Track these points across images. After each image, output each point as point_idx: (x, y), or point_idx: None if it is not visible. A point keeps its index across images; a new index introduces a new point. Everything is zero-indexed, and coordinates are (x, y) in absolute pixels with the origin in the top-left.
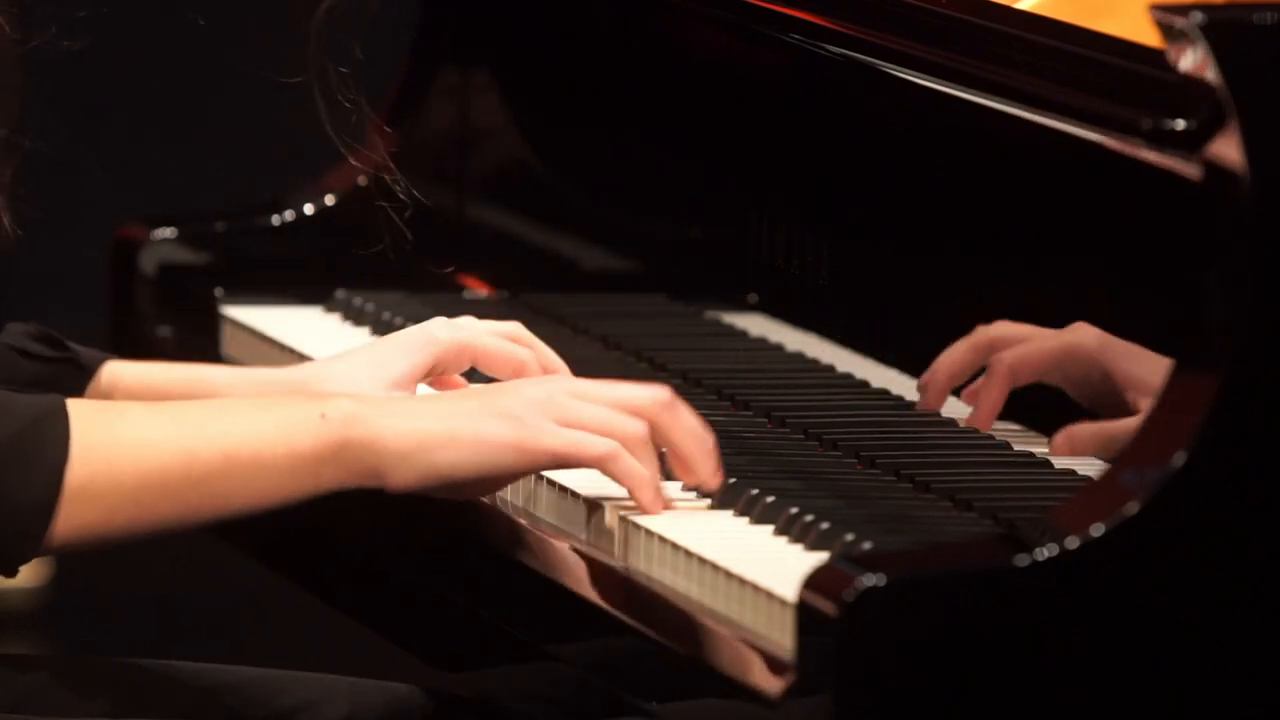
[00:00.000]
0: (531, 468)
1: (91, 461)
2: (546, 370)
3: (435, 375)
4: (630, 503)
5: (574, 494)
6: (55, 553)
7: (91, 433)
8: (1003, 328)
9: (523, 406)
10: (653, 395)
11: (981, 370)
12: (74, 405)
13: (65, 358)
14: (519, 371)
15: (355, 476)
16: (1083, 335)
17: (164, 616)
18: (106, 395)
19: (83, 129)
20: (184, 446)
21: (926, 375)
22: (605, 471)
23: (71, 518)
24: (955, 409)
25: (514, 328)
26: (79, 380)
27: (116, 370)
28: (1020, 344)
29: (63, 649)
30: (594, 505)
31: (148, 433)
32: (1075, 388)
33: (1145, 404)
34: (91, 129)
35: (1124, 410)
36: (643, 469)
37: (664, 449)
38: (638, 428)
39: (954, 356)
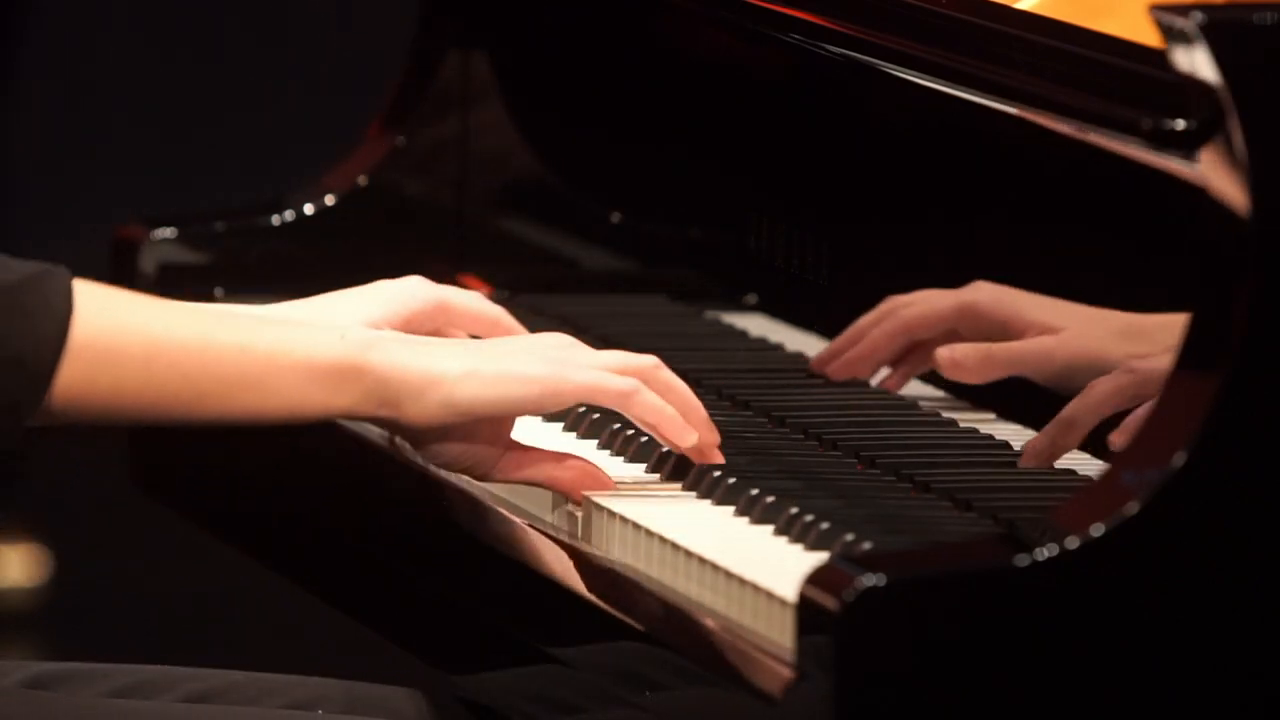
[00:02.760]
0: (553, 404)
1: (100, 320)
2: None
3: (409, 330)
4: (631, 503)
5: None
6: (57, 419)
7: (100, 297)
8: (905, 297)
9: (541, 349)
10: (640, 361)
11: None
12: (79, 280)
13: None
14: (494, 326)
15: (371, 403)
16: (978, 291)
17: (163, 617)
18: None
19: (83, 129)
20: (198, 329)
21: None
22: (627, 409)
23: (78, 374)
24: (956, 409)
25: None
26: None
27: None
28: (917, 304)
29: (63, 649)
30: (595, 504)
31: (161, 310)
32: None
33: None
34: (91, 129)
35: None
36: (663, 404)
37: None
38: (653, 363)
39: (864, 327)
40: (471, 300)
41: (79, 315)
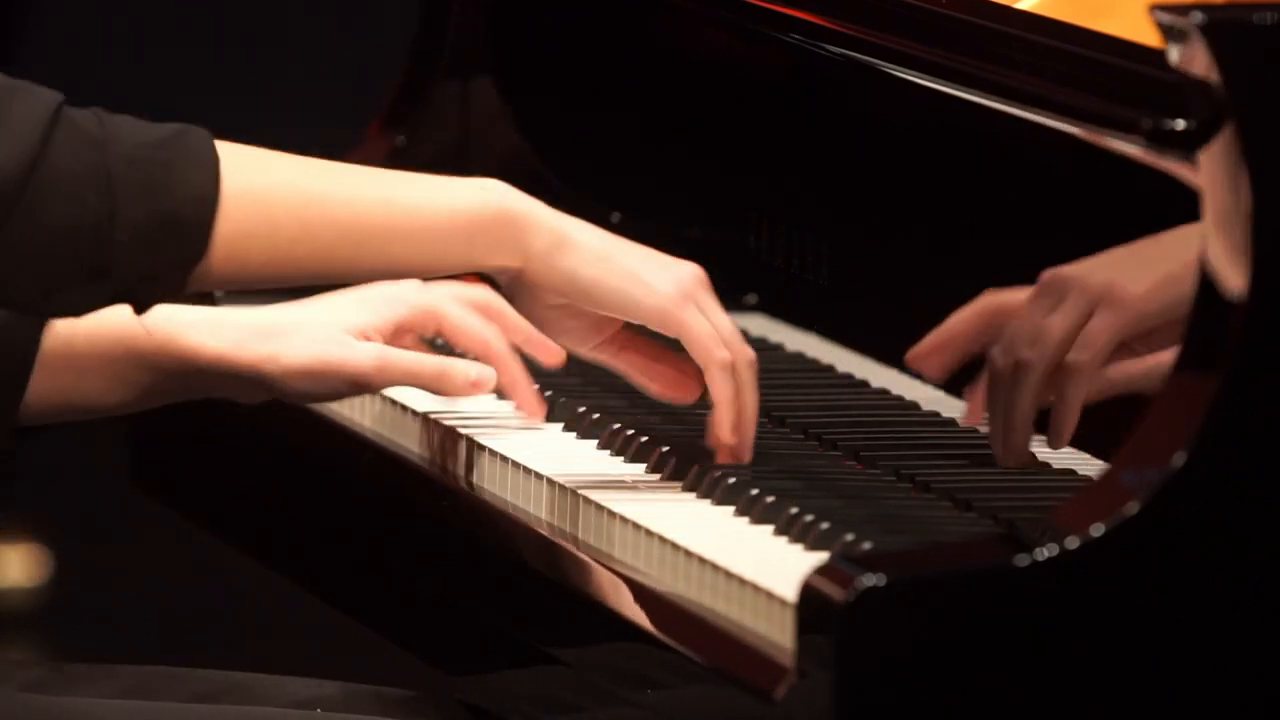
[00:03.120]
0: (657, 328)
1: (249, 171)
2: (516, 335)
3: (400, 335)
4: (631, 503)
5: (575, 494)
6: (219, 277)
7: (241, 151)
8: (1010, 295)
9: (677, 282)
10: (745, 353)
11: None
12: (221, 143)
13: None
14: (482, 351)
15: (505, 252)
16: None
17: (163, 617)
18: (66, 340)
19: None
20: (342, 185)
21: (929, 339)
22: (709, 380)
23: (233, 226)
24: (956, 408)
25: (483, 294)
26: (35, 324)
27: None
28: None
29: (62, 649)
30: (596, 506)
31: (304, 167)
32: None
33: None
34: None
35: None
36: (733, 394)
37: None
38: (748, 355)
39: (958, 323)
40: (460, 320)
41: (226, 168)
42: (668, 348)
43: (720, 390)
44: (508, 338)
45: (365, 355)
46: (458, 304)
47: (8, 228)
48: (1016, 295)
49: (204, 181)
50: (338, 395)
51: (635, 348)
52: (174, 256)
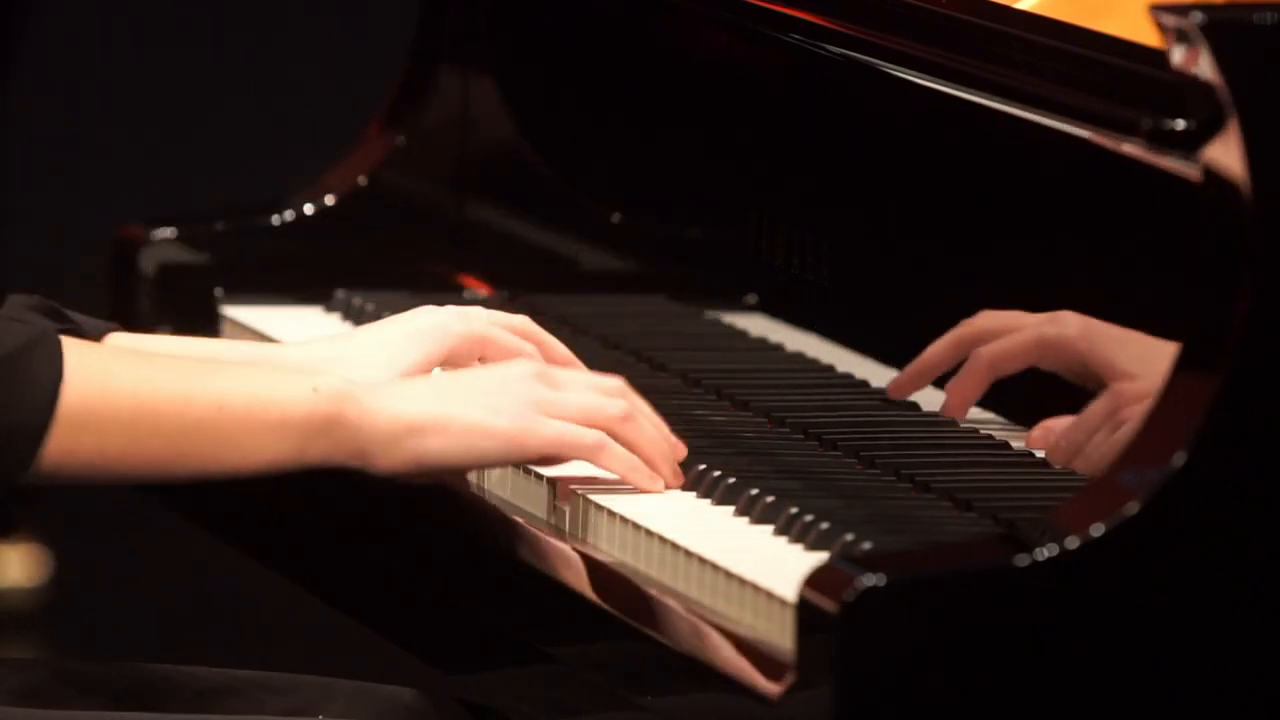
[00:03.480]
0: (519, 460)
1: (86, 387)
2: (556, 363)
3: (447, 367)
4: (631, 503)
5: (573, 493)
6: (44, 480)
7: (86, 362)
8: (985, 319)
9: (509, 398)
10: (615, 385)
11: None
12: (67, 339)
13: (67, 329)
14: None
15: (342, 454)
16: (1063, 325)
17: (163, 617)
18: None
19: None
20: (179, 389)
21: (908, 368)
22: (595, 462)
23: (64, 442)
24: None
25: (522, 321)
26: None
27: (119, 340)
28: (1000, 337)
29: (62, 649)
30: (594, 505)
31: (143, 371)
32: (1064, 374)
33: (1126, 389)
34: (91, 129)
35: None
36: (630, 456)
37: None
38: (619, 409)
39: (936, 351)
40: (504, 341)
41: (66, 384)
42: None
43: (614, 465)
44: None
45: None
46: (500, 329)
47: None
48: (991, 322)
49: (40, 405)
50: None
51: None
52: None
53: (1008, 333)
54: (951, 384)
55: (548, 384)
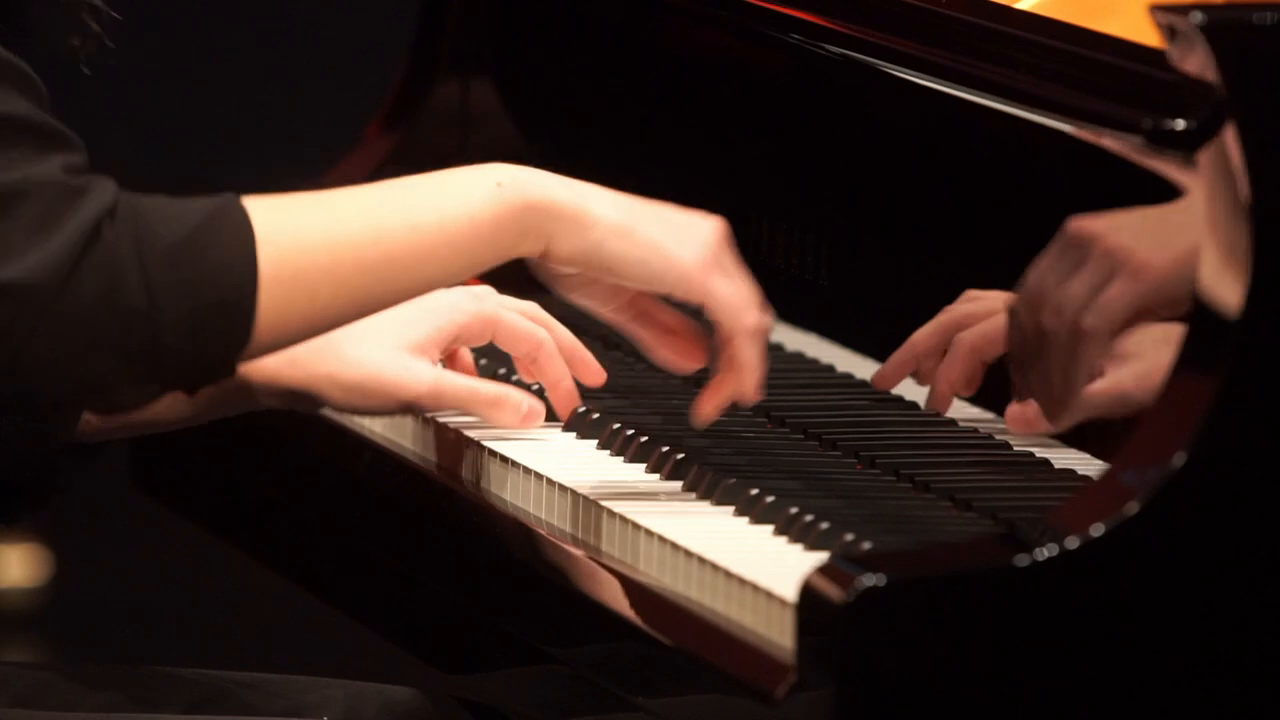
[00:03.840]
0: (682, 297)
1: (282, 242)
2: (563, 350)
3: (456, 345)
4: (631, 503)
5: (575, 494)
6: (270, 348)
7: (272, 214)
8: (968, 302)
9: (694, 243)
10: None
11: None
12: (249, 200)
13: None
14: (536, 351)
15: (529, 239)
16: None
17: (163, 617)
18: None
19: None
20: (369, 219)
21: (892, 357)
22: (737, 346)
23: (276, 303)
24: (957, 409)
25: (532, 307)
26: None
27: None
28: (981, 320)
29: (62, 649)
30: (596, 506)
31: (331, 211)
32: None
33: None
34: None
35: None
36: (759, 357)
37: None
38: (768, 321)
39: (919, 338)
40: (514, 322)
41: (261, 246)
42: (682, 315)
43: (747, 355)
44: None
45: (421, 379)
46: (511, 311)
47: (49, 329)
48: (974, 307)
49: (242, 268)
50: (388, 413)
51: (651, 313)
52: (220, 346)
53: (990, 314)
54: (937, 371)
55: (731, 257)
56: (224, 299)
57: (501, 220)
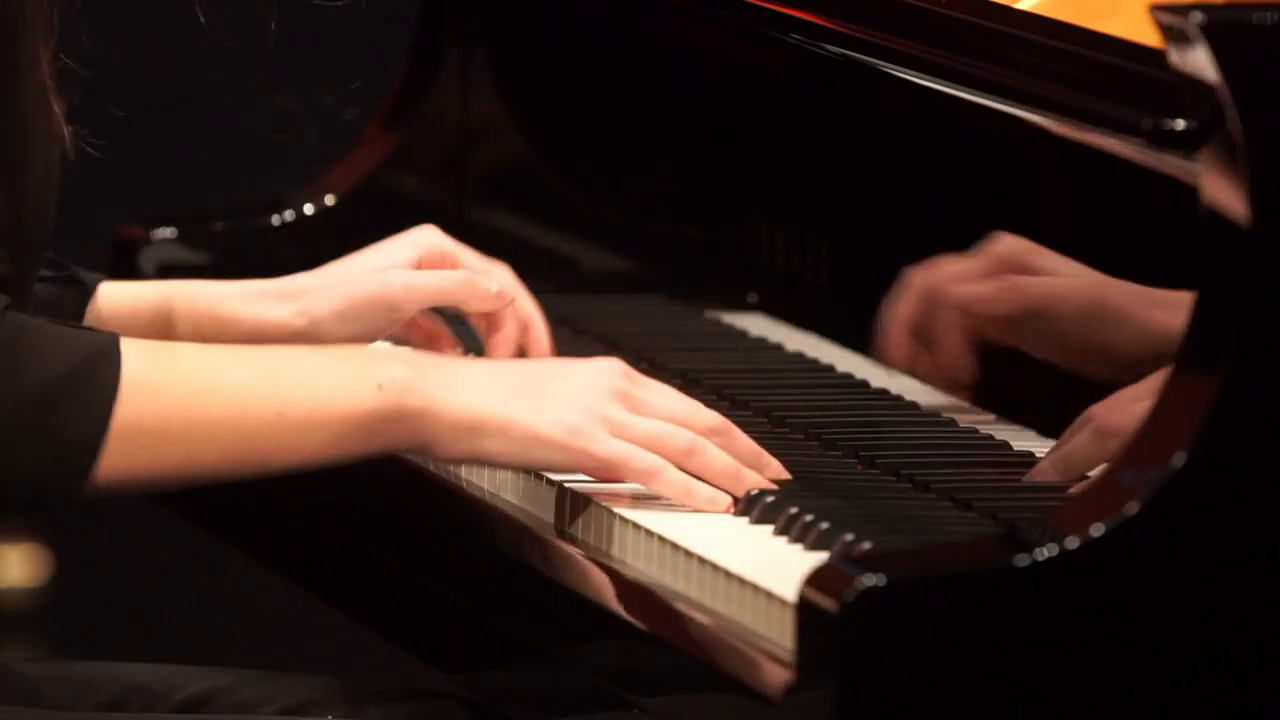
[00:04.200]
0: (574, 470)
1: (141, 403)
2: (521, 318)
3: (419, 264)
4: (631, 501)
5: (574, 493)
6: (101, 494)
7: (143, 374)
8: (927, 270)
9: (578, 409)
10: (707, 422)
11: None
12: (127, 345)
13: (66, 275)
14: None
15: (404, 444)
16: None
17: (163, 617)
18: (108, 316)
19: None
20: (236, 398)
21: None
22: (649, 487)
23: (118, 458)
24: (956, 409)
25: (501, 271)
26: (80, 298)
27: (109, 293)
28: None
29: (62, 649)
30: (595, 505)
31: (200, 380)
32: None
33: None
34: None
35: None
36: (684, 481)
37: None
38: (685, 441)
39: (900, 308)
40: (478, 261)
41: (121, 400)
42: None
43: (673, 491)
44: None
45: (389, 280)
46: (472, 253)
47: None
48: (933, 263)
49: (94, 424)
50: (378, 330)
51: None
52: (52, 490)
53: (952, 275)
54: (938, 347)
55: (625, 402)
56: (71, 443)
57: (375, 421)
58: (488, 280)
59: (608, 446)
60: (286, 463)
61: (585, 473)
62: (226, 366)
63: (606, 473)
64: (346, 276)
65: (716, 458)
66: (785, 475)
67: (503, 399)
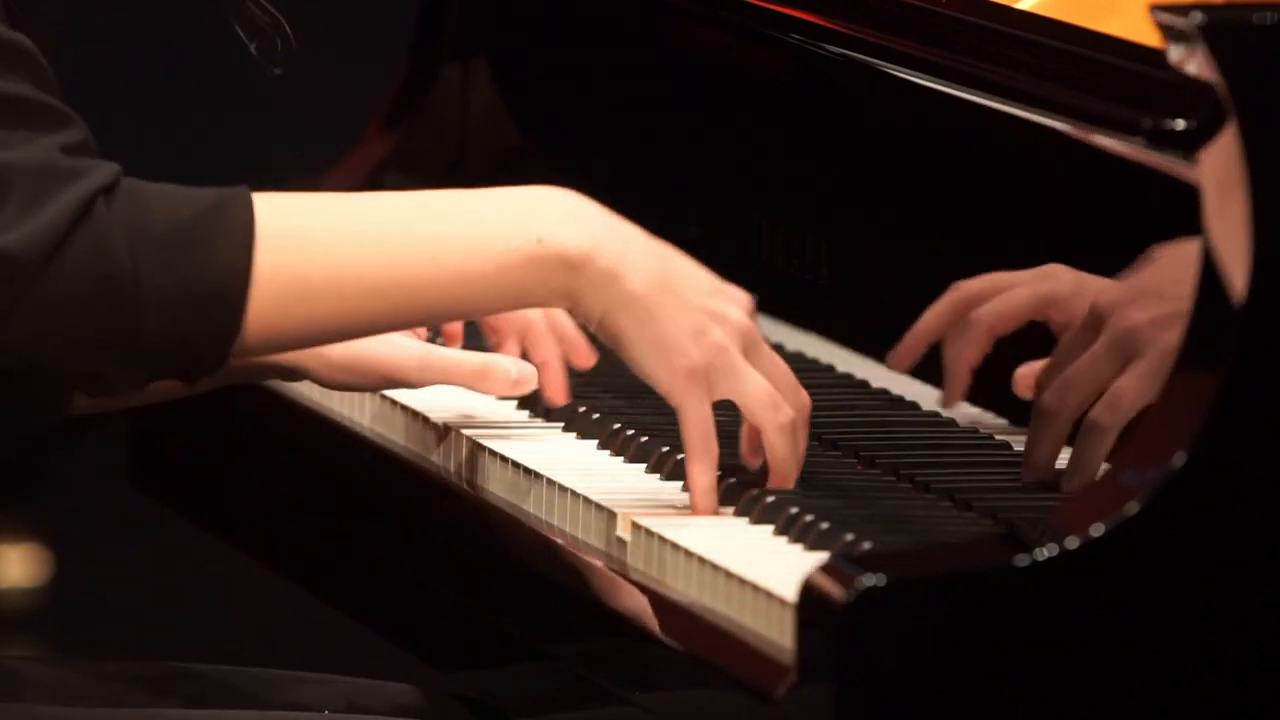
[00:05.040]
0: (663, 394)
1: (284, 245)
2: (554, 330)
3: None
4: (628, 503)
5: (579, 496)
6: (259, 350)
7: (280, 219)
8: (977, 281)
9: (710, 344)
10: (803, 404)
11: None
12: (262, 196)
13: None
14: (524, 329)
15: (553, 298)
16: (1056, 279)
17: (163, 616)
18: None
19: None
20: (387, 245)
21: (906, 337)
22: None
23: (268, 304)
24: (956, 409)
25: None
26: None
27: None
28: (994, 297)
29: (62, 649)
30: (595, 507)
31: (349, 223)
32: (1056, 329)
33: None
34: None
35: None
36: (709, 486)
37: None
38: (786, 416)
39: (931, 316)
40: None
41: (261, 245)
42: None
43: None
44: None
45: (407, 354)
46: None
47: (34, 301)
48: (983, 284)
49: (236, 261)
50: (376, 388)
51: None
52: (205, 335)
53: (1000, 291)
54: (953, 351)
55: (747, 347)
56: (212, 293)
57: (530, 276)
58: (505, 369)
59: (698, 414)
60: (441, 311)
61: (670, 402)
62: (375, 208)
63: (681, 424)
64: None
65: (795, 446)
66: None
67: (659, 295)
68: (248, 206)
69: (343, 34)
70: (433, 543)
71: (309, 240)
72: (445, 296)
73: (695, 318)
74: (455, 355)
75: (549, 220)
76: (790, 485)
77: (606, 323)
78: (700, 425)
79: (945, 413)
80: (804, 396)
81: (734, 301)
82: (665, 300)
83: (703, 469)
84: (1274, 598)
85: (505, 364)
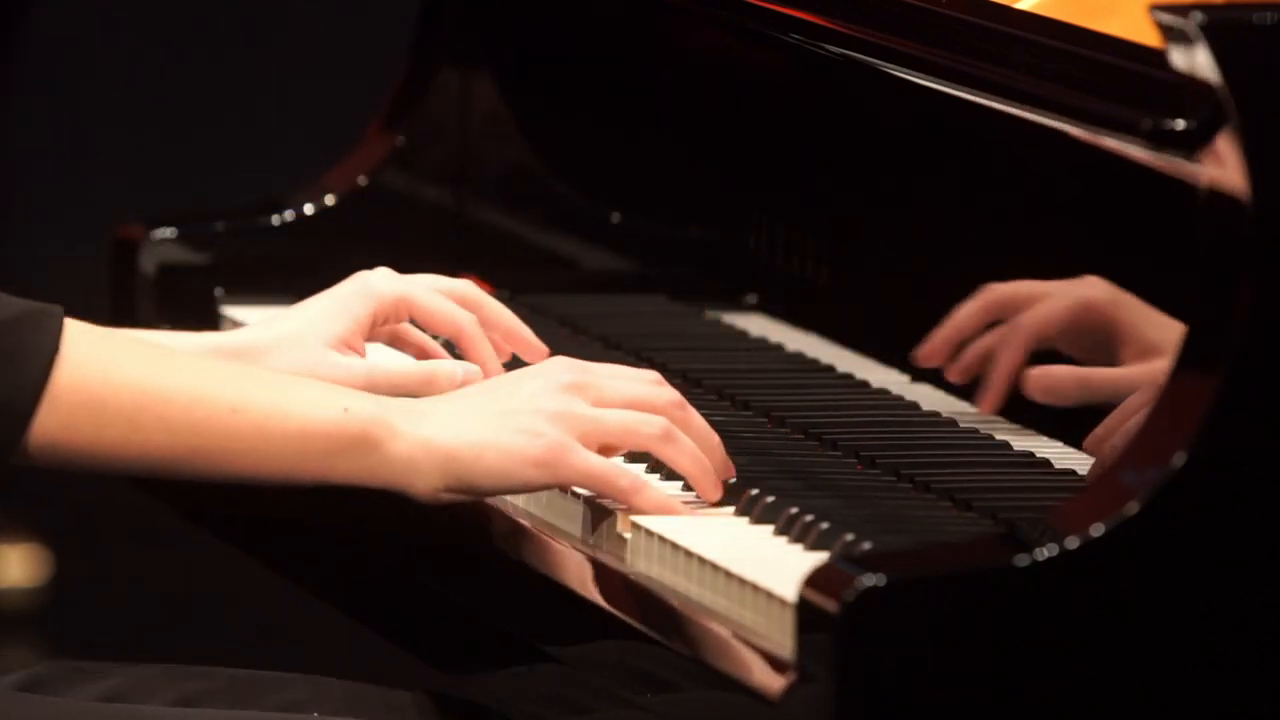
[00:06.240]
0: (556, 486)
1: (86, 368)
2: (500, 329)
3: (377, 327)
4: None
5: (574, 493)
6: (37, 462)
7: (90, 343)
8: (1010, 285)
9: (544, 417)
10: (666, 399)
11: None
12: (75, 322)
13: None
14: (454, 333)
15: (376, 479)
16: (1094, 290)
17: (163, 616)
18: None
19: (83, 129)
20: (191, 385)
21: (937, 334)
22: (630, 504)
23: (57, 423)
24: (956, 409)
25: (463, 286)
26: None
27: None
28: (1035, 304)
29: (63, 649)
30: (595, 505)
31: (154, 362)
32: (1085, 347)
33: (1140, 362)
34: (91, 129)
35: (1114, 363)
36: (664, 500)
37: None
38: (659, 428)
39: (965, 315)
40: (431, 304)
41: (64, 360)
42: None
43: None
44: (487, 331)
45: (354, 374)
46: (429, 290)
47: None
48: (1016, 288)
49: (32, 377)
50: None
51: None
52: None
53: (1034, 298)
54: (1001, 358)
55: (584, 394)
56: (2, 399)
57: (336, 440)
58: (449, 372)
59: (588, 462)
60: (245, 469)
61: (569, 486)
62: (184, 358)
63: (590, 486)
64: (301, 347)
65: (688, 444)
66: (725, 455)
67: (471, 425)
68: (58, 325)
69: (343, 34)
70: (432, 544)
71: (112, 370)
72: (244, 449)
73: (522, 417)
74: (400, 367)
75: (358, 398)
76: (712, 480)
77: (454, 482)
78: (605, 473)
79: (945, 413)
80: (664, 393)
81: (539, 372)
82: (487, 426)
83: (648, 498)
84: (1274, 598)
85: (449, 368)
